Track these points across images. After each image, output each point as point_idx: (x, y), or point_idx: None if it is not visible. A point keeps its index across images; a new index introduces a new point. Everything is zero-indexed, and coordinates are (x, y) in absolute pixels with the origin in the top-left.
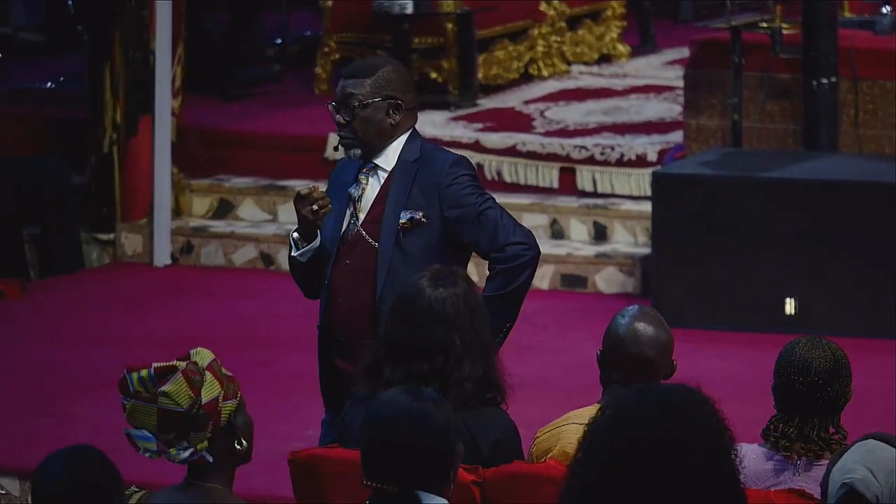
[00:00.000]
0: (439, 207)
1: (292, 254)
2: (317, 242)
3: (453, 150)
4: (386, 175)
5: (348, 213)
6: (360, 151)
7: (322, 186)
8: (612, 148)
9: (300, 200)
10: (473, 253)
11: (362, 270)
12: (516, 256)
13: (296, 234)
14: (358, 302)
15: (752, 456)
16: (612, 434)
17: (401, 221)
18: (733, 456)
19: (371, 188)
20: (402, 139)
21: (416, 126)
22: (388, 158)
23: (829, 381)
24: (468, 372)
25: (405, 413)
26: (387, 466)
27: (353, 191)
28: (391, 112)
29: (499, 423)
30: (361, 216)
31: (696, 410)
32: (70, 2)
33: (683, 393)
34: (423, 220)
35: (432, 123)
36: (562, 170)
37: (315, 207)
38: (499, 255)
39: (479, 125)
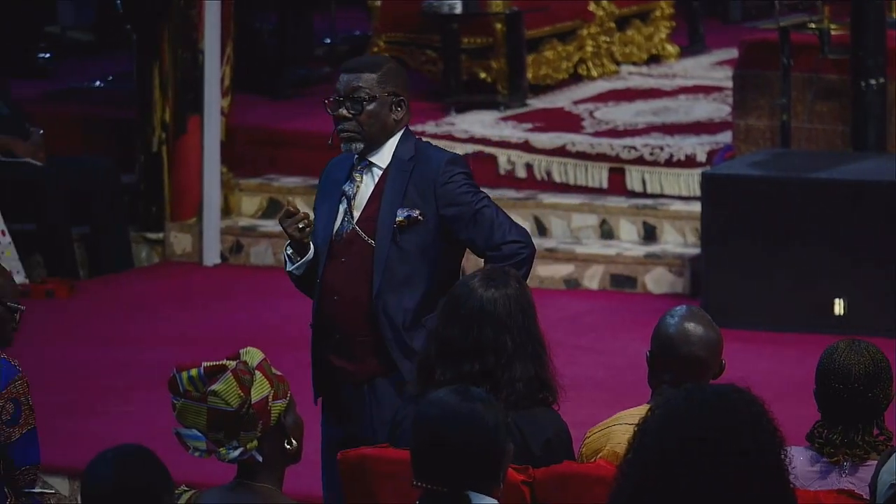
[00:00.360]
0: (435, 205)
1: (287, 269)
2: (310, 255)
3: (503, 150)
4: (381, 172)
5: (342, 210)
6: (362, 146)
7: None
8: (662, 148)
9: (285, 219)
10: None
11: (358, 268)
12: (513, 254)
13: (289, 250)
14: (354, 299)
15: (798, 458)
16: (661, 434)
17: (397, 219)
18: (783, 456)
19: (366, 186)
20: (398, 136)
21: (467, 125)
22: (384, 156)
23: (869, 386)
24: (519, 372)
25: (455, 413)
26: (437, 466)
27: (348, 188)
28: (394, 108)
29: (550, 423)
30: (356, 214)
31: (746, 410)
32: (119, 1)
33: (733, 393)
34: (419, 217)
35: (481, 123)
36: (611, 170)
37: (301, 226)
38: (495, 254)
39: (529, 125)
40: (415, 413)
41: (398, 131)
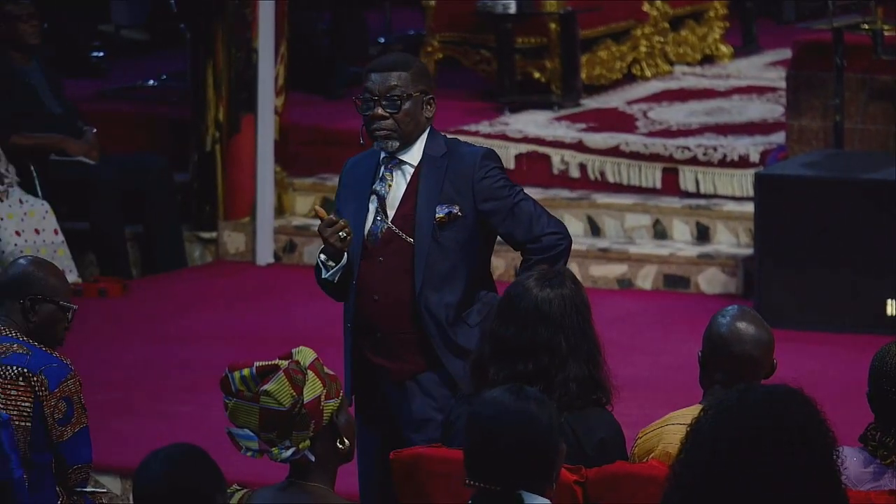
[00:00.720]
0: (472, 200)
1: (323, 276)
2: (344, 261)
3: (556, 150)
4: (412, 170)
5: (372, 209)
6: (398, 144)
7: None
8: (715, 149)
9: (325, 228)
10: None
11: (398, 267)
12: (553, 246)
13: (323, 256)
14: (396, 298)
15: (851, 459)
16: (713, 434)
17: (437, 216)
18: (835, 457)
19: (397, 184)
20: (426, 134)
21: (521, 125)
22: (414, 153)
23: None
24: (573, 372)
25: (508, 412)
26: (489, 466)
27: (379, 187)
28: (426, 106)
29: (604, 423)
30: (391, 213)
31: (798, 411)
32: (173, 0)
33: (785, 393)
34: (458, 214)
35: (535, 123)
36: (665, 170)
37: (342, 235)
38: (535, 246)
39: (583, 125)
40: (469, 412)
41: (426, 128)
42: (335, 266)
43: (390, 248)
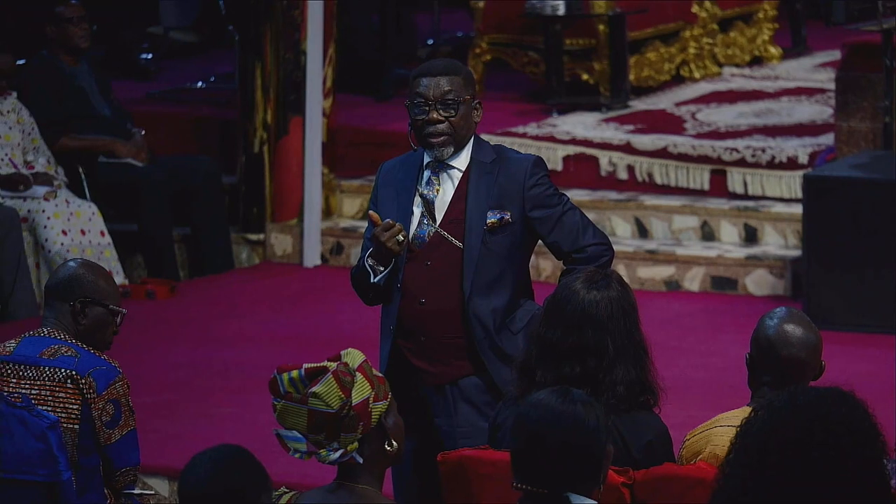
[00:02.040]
0: (522, 207)
1: (373, 280)
2: (391, 265)
3: (604, 152)
4: (460, 175)
5: (418, 213)
6: (451, 150)
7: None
8: (763, 150)
9: (383, 232)
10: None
11: (446, 271)
12: (598, 256)
13: (371, 261)
14: (443, 302)
15: None
16: (763, 436)
17: (489, 221)
18: (885, 462)
19: (445, 189)
20: (471, 140)
21: (569, 126)
22: (462, 158)
23: None
24: (621, 375)
25: (555, 414)
26: (537, 468)
27: (426, 191)
28: (475, 111)
29: (651, 426)
30: (439, 216)
31: (849, 414)
32: (221, 2)
33: (836, 397)
34: (509, 220)
35: (583, 125)
36: (713, 172)
37: (400, 238)
38: (580, 256)
39: (631, 127)
40: (516, 415)
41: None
42: (384, 270)
43: (438, 252)
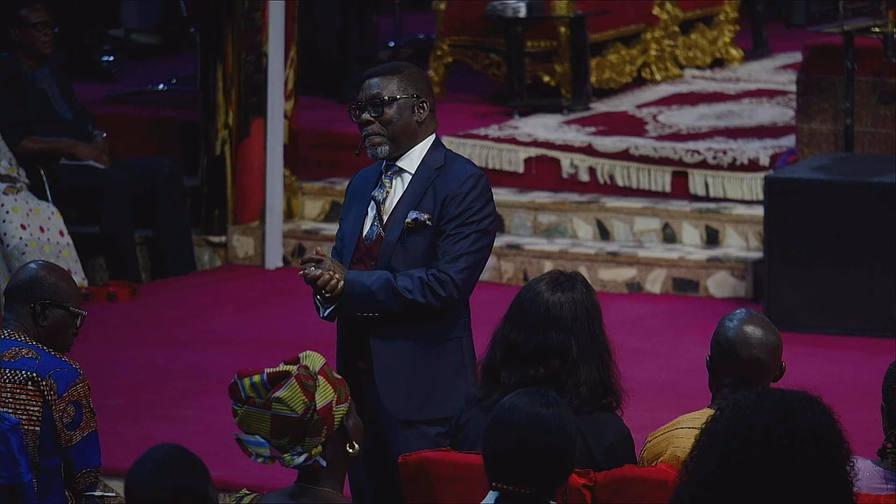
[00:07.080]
0: (440, 215)
1: (321, 316)
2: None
3: (566, 154)
4: (410, 178)
5: (371, 214)
6: (387, 148)
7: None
8: (725, 152)
9: (311, 284)
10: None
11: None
12: (443, 287)
13: (319, 297)
14: None
15: (866, 473)
16: (726, 436)
17: (407, 220)
18: (848, 468)
19: (395, 191)
20: (427, 143)
21: (530, 128)
22: (413, 161)
23: None
24: (584, 377)
25: (542, 419)
26: (523, 470)
27: (377, 193)
28: (417, 109)
29: (613, 428)
30: (385, 218)
31: (814, 418)
32: (183, 4)
33: (802, 399)
34: (426, 222)
35: (545, 127)
36: (674, 174)
37: (327, 294)
38: (435, 273)
39: (592, 129)
40: (492, 417)
41: (426, 136)
42: (331, 307)
43: (377, 251)
